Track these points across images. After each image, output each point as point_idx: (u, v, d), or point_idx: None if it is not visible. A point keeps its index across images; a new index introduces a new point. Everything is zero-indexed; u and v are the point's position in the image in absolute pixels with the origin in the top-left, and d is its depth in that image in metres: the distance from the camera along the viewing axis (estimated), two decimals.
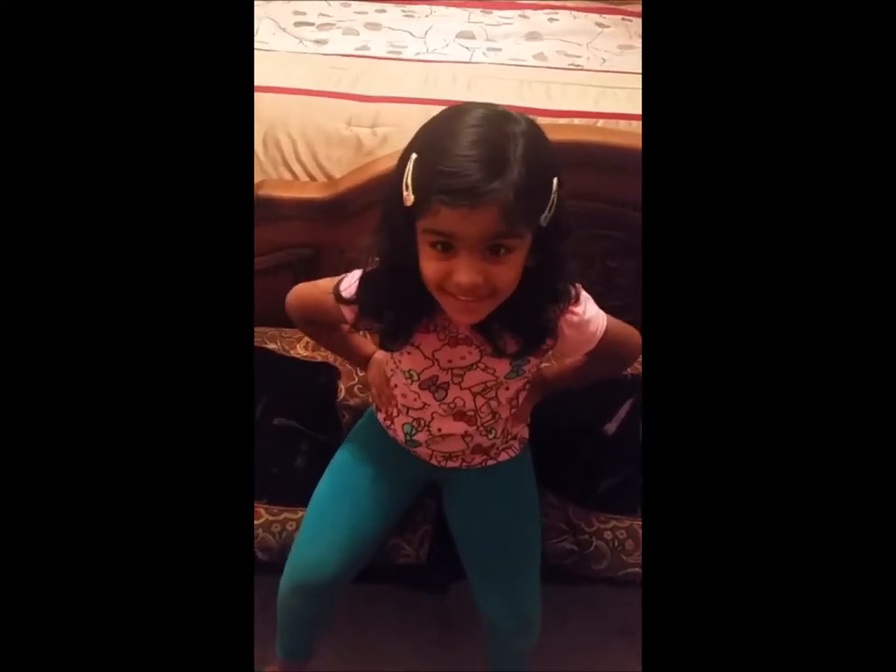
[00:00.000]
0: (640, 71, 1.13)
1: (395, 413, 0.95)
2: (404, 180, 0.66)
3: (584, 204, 1.13)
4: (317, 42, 1.45)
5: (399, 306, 0.77)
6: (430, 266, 0.68)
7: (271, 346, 1.20)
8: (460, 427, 0.91)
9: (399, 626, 1.28)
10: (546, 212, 0.66)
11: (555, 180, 0.67)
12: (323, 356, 1.18)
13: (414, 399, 0.90)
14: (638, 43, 1.50)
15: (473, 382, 0.85)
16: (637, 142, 1.08)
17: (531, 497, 0.98)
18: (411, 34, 1.50)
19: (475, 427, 0.91)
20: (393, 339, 0.81)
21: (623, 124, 1.20)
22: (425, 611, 1.29)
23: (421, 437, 0.93)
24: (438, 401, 0.88)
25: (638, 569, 1.02)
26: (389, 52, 1.42)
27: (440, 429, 0.92)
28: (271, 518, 1.03)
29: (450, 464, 0.96)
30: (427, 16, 1.59)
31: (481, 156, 0.62)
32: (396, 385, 0.93)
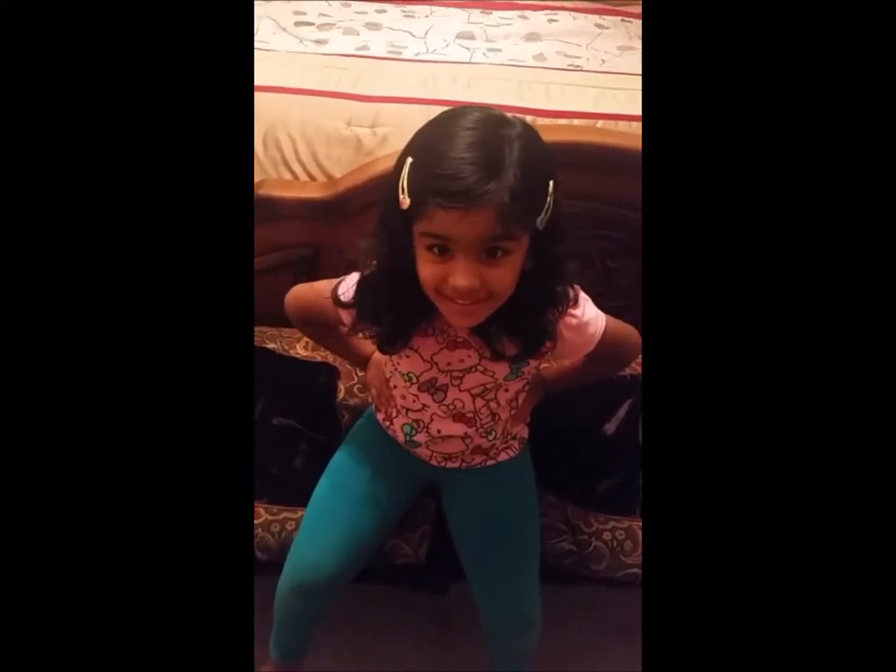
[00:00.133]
0: (640, 72, 1.13)
1: (394, 414, 0.95)
2: (400, 184, 0.66)
3: (584, 205, 1.14)
4: (317, 42, 1.45)
5: (396, 310, 0.77)
6: (427, 269, 0.69)
7: (270, 346, 1.20)
8: (459, 428, 0.91)
9: (399, 627, 1.28)
10: (542, 214, 0.66)
11: (551, 183, 0.67)
12: (323, 356, 1.18)
13: (413, 401, 0.90)
14: (638, 44, 1.50)
15: (472, 384, 0.85)
16: (636, 143, 1.08)
17: (530, 497, 0.98)
18: (411, 34, 1.50)
19: (474, 429, 0.91)
20: (391, 343, 0.81)
21: (622, 125, 1.20)
22: (424, 612, 1.29)
23: (421, 437, 0.93)
24: (437, 403, 0.88)
25: (637, 570, 1.02)
26: (389, 52, 1.42)
27: (439, 431, 0.91)
28: (270, 518, 1.03)
29: (449, 464, 0.96)
30: (427, 16, 1.59)
31: (476, 159, 0.62)
32: (395, 387, 0.93)
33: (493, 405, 0.89)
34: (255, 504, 1.04)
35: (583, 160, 1.10)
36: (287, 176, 1.22)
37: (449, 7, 1.63)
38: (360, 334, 0.83)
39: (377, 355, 0.99)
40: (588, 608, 1.29)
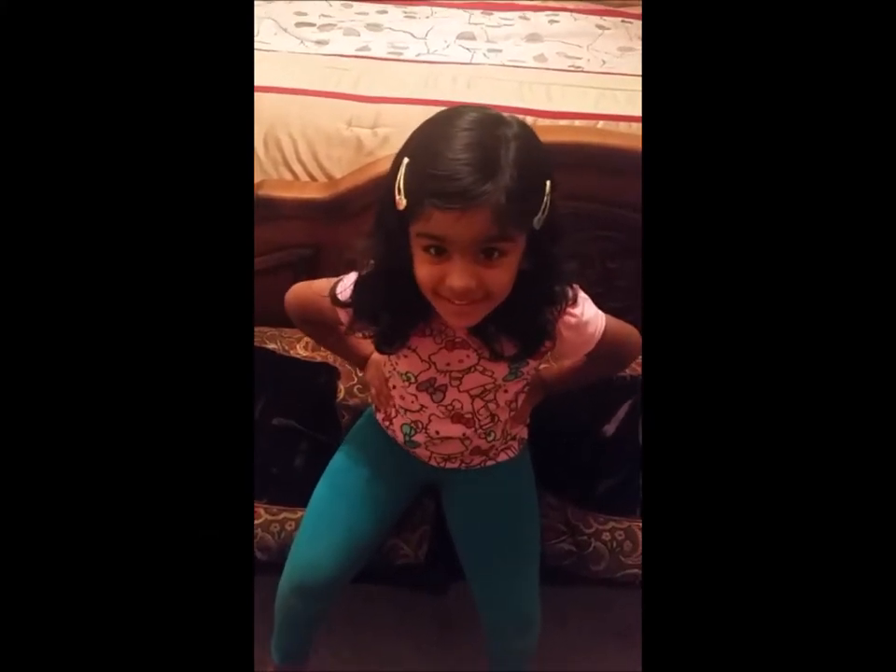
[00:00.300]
0: (640, 73, 1.13)
1: (393, 414, 0.96)
2: (396, 184, 0.66)
3: (584, 206, 1.14)
4: (318, 43, 1.45)
5: (393, 310, 0.77)
6: (424, 270, 0.69)
7: (270, 346, 1.20)
8: (458, 429, 0.91)
9: (398, 627, 1.28)
10: (539, 214, 0.66)
11: (548, 183, 0.67)
12: (323, 356, 1.18)
13: (412, 402, 0.90)
14: (638, 45, 1.50)
15: (472, 384, 0.85)
16: (636, 143, 1.08)
17: (530, 497, 0.98)
18: (412, 35, 1.50)
19: (473, 430, 0.91)
20: (389, 342, 0.81)
21: (622, 126, 1.20)
22: (424, 612, 1.29)
23: (420, 438, 0.93)
24: (436, 403, 0.88)
25: (637, 571, 1.02)
26: (390, 53, 1.42)
27: (437, 432, 0.91)
28: (270, 518, 1.03)
29: (449, 465, 0.96)
30: (427, 17, 1.59)
31: (472, 159, 0.62)
32: (394, 387, 0.93)
33: (492, 406, 0.89)
34: (255, 504, 1.04)
35: (584, 160, 1.10)
36: (288, 177, 1.22)
37: (450, 7, 1.63)
38: (358, 333, 0.83)
39: (376, 355, 0.99)
40: (587, 608, 1.29)
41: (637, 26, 1.59)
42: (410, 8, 1.62)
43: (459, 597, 1.07)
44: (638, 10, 1.63)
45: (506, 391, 0.88)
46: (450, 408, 0.88)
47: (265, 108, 1.20)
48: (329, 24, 1.53)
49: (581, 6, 1.68)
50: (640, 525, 1.04)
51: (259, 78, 1.13)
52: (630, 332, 0.88)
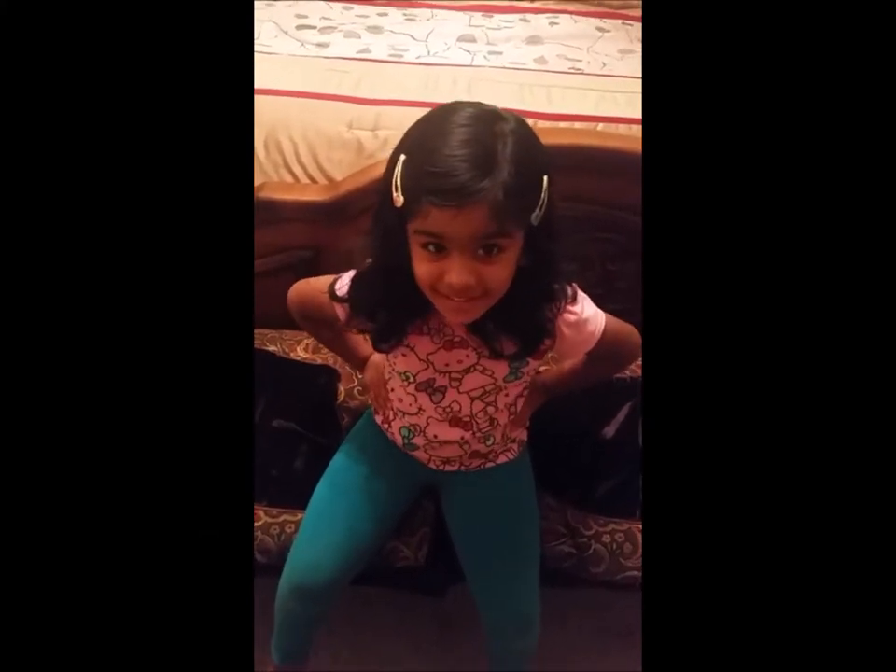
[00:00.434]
0: (640, 75, 1.13)
1: (392, 416, 0.96)
2: (393, 181, 0.66)
3: (584, 208, 1.14)
4: (319, 45, 1.45)
5: (391, 306, 0.77)
6: (422, 267, 0.68)
7: (271, 348, 1.20)
8: (456, 433, 0.90)
9: (398, 628, 1.28)
10: (537, 211, 0.66)
11: (545, 179, 0.66)
12: (323, 358, 1.18)
13: (410, 404, 0.90)
14: (638, 47, 1.50)
15: (472, 385, 0.85)
16: (636, 146, 1.08)
17: (530, 499, 0.98)
18: (412, 37, 1.51)
19: (471, 433, 0.90)
20: (385, 339, 0.81)
21: (622, 128, 1.21)
22: (423, 613, 1.29)
23: (418, 440, 0.93)
24: (434, 404, 0.88)
25: (637, 573, 1.02)
26: (390, 56, 1.43)
27: (436, 435, 0.91)
28: (270, 520, 1.03)
29: (448, 467, 0.96)
30: (428, 19, 1.59)
31: (469, 155, 0.62)
32: (393, 389, 0.93)
33: (491, 409, 0.88)
34: (255, 506, 1.04)
35: (584, 162, 1.10)
36: (289, 179, 1.23)
37: (450, 10, 1.64)
38: (355, 330, 0.83)
39: (375, 356, 0.99)
40: (587, 610, 1.29)
41: (637, 28, 1.60)
42: (410, 11, 1.63)
43: (458, 599, 1.07)
44: (639, 13, 1.64)
45: (506, 394, 0.88)
46: (448, 411, 0.88)
47: (266, 111, 1.20)
48: (330, 27, 1.53)
49: (582, 8, 1.68)
50: (640, 527, 1.04)
51: (260, 81, 1.13)
52: (630, 332, 0.87)
